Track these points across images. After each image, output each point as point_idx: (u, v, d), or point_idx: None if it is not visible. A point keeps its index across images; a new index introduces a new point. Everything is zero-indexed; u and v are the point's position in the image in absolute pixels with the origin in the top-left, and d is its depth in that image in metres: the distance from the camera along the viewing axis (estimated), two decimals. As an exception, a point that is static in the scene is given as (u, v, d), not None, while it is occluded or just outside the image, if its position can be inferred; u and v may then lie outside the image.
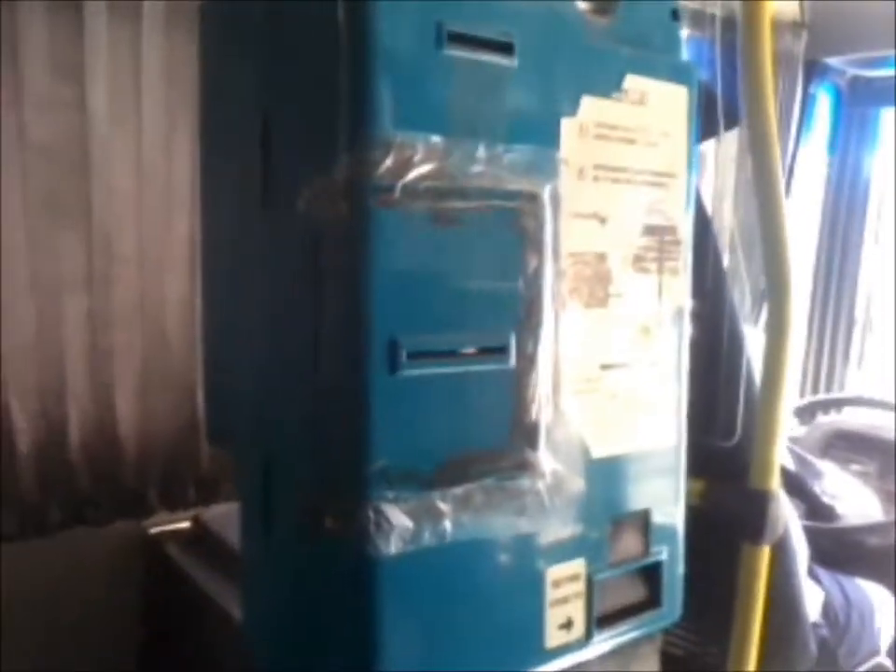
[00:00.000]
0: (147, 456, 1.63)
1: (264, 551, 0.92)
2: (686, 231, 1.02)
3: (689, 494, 1.05)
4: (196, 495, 1.68)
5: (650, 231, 0.97)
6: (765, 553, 1.16)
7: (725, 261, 1.35)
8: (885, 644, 1.72)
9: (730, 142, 1.84)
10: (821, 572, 1.63)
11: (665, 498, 1.01)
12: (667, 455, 1.02)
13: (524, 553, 0.88)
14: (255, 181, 0.87)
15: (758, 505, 1.15)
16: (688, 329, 1.03)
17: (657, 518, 1.00)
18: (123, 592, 1.62)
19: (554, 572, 0.91)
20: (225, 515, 1.56)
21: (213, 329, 1.03)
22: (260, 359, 0.91)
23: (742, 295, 1.47)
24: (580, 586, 0.93)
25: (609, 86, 0.91)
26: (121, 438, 1.59)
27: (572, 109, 0.88)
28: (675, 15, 0.98)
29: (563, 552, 0.91)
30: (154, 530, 1.65)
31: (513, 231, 0.85)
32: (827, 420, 2.39)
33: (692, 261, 1.03)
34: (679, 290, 1.01)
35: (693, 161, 1.02)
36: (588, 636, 0.94)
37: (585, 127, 0.90)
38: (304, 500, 0.83)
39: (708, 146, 1.54)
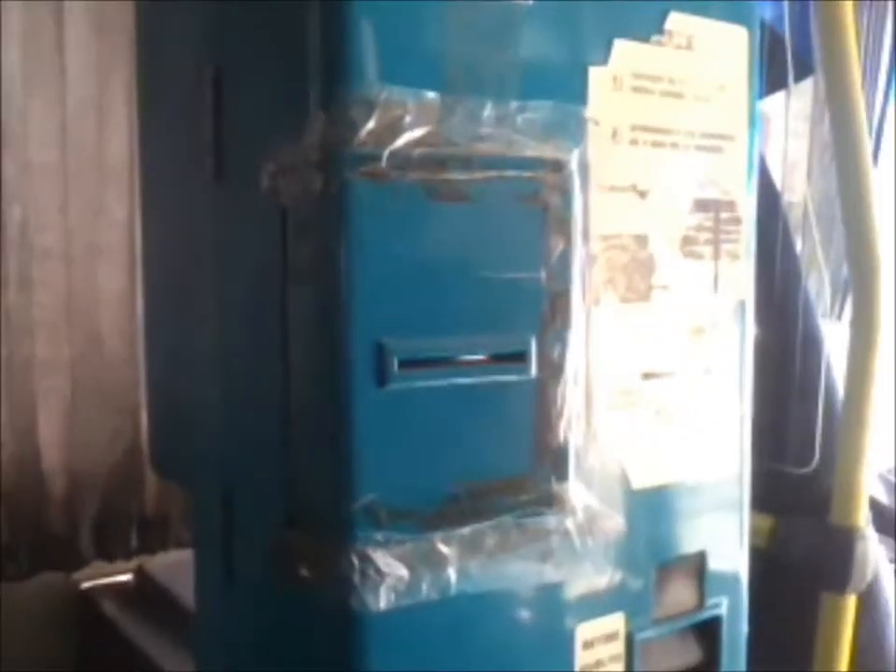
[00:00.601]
0: (78, 495, 1.64)
1: (225, 604, 0.93)
2: (747, 207, 1.02)
3: (754, 532, 1.06)
4: (139, 541, 1.69)
5: (702, 206, 0.98)
6: (850, 604, 1.17)
7: (798, 244, 1.36)
8: None
9: (802, 96, 1.84)
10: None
11: (724, 538, 1.02)
12: (727, 486, 1.03)
13: (548, 607, 0.89)
14: (206, 152, 0.88)
15: (841, 545, 1.16)
16: (751, 328, 1.04)
17: (714, 562, 1.01)
18: (50, 658, 1.63)
19: (586, 630, 0.91)
20: (175, 565, 1.57)
21: (159, 336, 1.04)
22: (218, 372, 0.92)
23: (819, 285, 1.48)
24: (617, 647, 0.94)
25: (647, 27, 0.92)
26: (45, 472, 1.60)
27: (602, 56, 0.89)
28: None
29: (597, 605, 0.92)
30: (87, 584, 1.66)
31: (531, 208, 0.86)
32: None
33: (755, 244, 1.04)
34: (740, 280, 1.02)
35: (756, 121, 1.04)
36: (628, 710, 0.95)
37: (619, 78, 0.91)
38: (274, 543, 0.84)
39: (775, 101, 1.55)
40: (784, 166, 1.50)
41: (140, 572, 1.62)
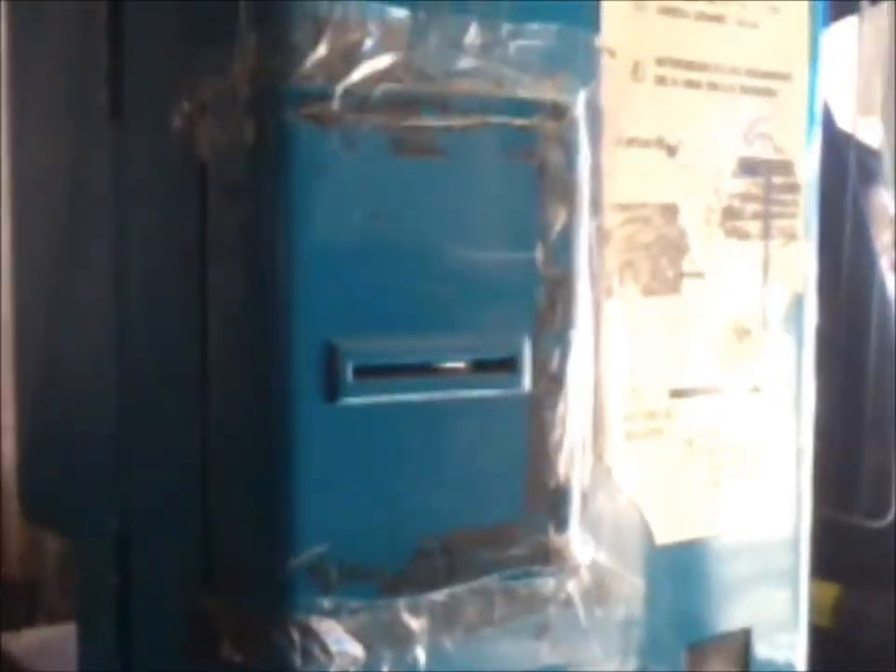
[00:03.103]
0: None
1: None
2: (808, 170, 1.07)
3: (814, 605, 1.10)
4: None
5: (749, 168, 1.02)
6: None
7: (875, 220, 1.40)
8: None
9: (880, 22, 1.87)
10: None
11: (774, 612, 1.06)
12: (779, 543, 1.07)
13: (544, 701, 0.92)
14: (98, 83, 0.90)
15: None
16: (812, 330, 1.08)
17: (762, 644, 1.05)
18: None
19: (595, 732, 0.95)
20: (46, 644, 1.57)
21: (31, 331, 1.07)
22: (113, 379, 0.94)
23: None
24: (635, 754, 0.97)
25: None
26: None
27: (621, -34, 0.93)
28: None
29: (608, 700, 0.95)
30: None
31: (524, 166, 0.89)
32: None
33: (819, 220, 1.09)
34: (797, 267, 1.06)
35: (819, 55, 1.08)
36: None
37: (642, -5, 0.95)
38: (188, 612, 0.86)
39: (844, 28, 1.58)
40: (857, 113, 1.53)
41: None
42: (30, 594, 1.74)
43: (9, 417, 1.31)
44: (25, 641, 1.61)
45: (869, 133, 1.53)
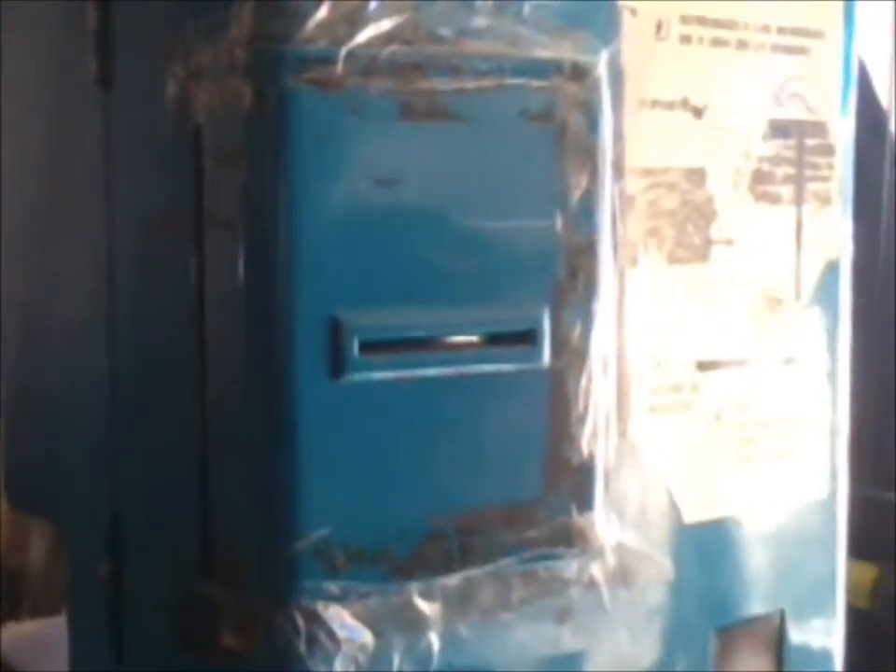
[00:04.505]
0: None
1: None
2: (843, 132, 1.04)
3: (852, 586, 1.07)
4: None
5: (780, 129, 0.99)
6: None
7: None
8: None
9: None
10: None
11: (809, 594, 1.04)
12: (814, 522, 1.04)
13: (567, 688, 0.90)
14: (84, 48, 0.89)
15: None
16: (848, 299, 1.05)
17: (796, 627, 1.02)
18: None
19: (620, 720, 0.93)
20: (33, 640, 1.57)
21: (13, 310, 1.05)
22: (102, 352, 0.92)
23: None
24: (663, 743, 0.95)
25: None
26: None
27: (642, -84, 0.91)
28: None
29: (635, 685, 0.93)
30: None
31: (542, 129, 0.86)
32: None
33: (854, 185, 1.06)
34: (833, 233, 1.04)
35: (854, 12, 1.05)
36: None
37: (666, -51, 0.92)
38: (184, 599, 0.85)
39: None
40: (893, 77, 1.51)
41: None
42: (15, 585, 1.73)
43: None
44: (11, 636, 1.61)
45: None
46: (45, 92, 0.99)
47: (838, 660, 1.06)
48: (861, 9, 1.06)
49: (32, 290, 1.05)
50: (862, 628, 1.10)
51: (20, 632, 1.62)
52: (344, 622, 0.79)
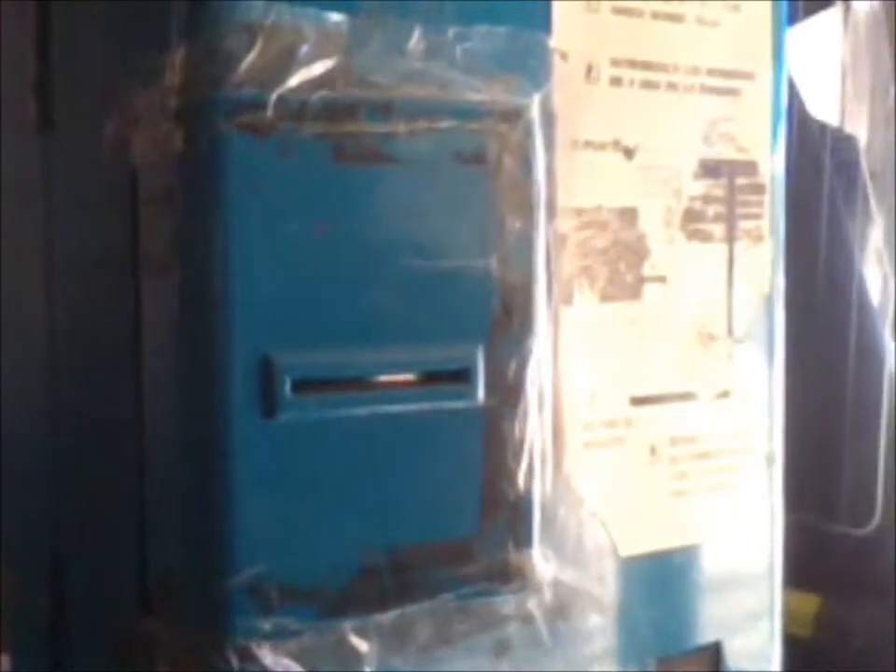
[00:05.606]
0: None
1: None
2: (774, 170, 1.05)
3: (792, 617, 1.08)
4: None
5: (711, 169, 1.00)
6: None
7: (851, 220, 1.38)
8: None
9: (859, 15, 1.85)
10: None
11: (747, 624, 1.04)
12: (751, 552, 1.05)
13: (505, 722, 0.90)
14: (24, 92, 0.89)
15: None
16: (782, 333, 1.06)
17: (735, 657, 1.02)
18: None
19: (559, 754, 0.93)
20: None
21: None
22: (40, 401, 0.93)
23: (885, 281, 1.50)
24: None
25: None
26: None
27: (571, -35, 0.91)
28: None
29: (573, 719, 0.93)
30: None
31: (476, 171, 0.87)
32: None
33: (787, 221, 1.06)
34: (764, 269, 1.04)
35: (783, 52, 1.06)
36: None
37: (594, -6, 0.93)
38: (123, 634, 0.84)
39: (819, 22, 1.56)
40: (838, 110, 1.51)
41: None
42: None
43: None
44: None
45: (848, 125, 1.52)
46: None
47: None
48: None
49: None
50: (804, 657, 1.10)
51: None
52: (278, 660, 0.79)
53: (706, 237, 1.00)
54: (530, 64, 0.89)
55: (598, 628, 0.94)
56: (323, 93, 0.80)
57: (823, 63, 1.67)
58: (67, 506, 0.92)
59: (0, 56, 0.97)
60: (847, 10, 1.44)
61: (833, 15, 1.51)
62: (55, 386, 0.93)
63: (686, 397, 1.00)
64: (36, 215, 0.94)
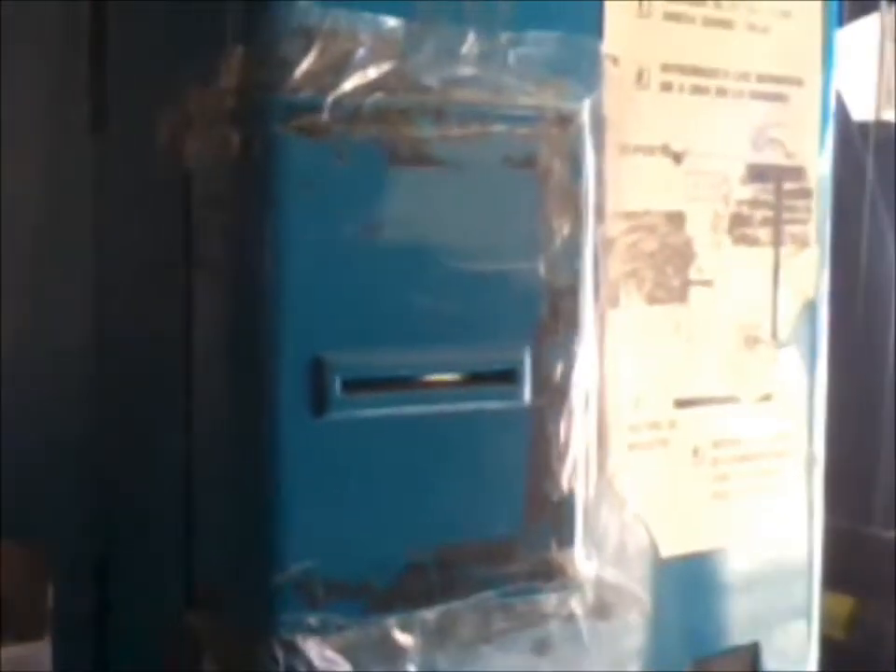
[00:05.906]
0: None
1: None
2: (821, 176, 1.05)
3: (828, 619, 1.08)
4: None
5: (758, 174, 1.00)
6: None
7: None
8: None
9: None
10: None
11: (784, 626, 1.04)
12: (790, 556, 1.05)
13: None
14: (79, 94, 0.90)
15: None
16: (825, 339, 1.06)
17: (771, 658, 1.03)
18: None
19: (598, 751, 0.94)
20: (17, 663, 1.56)
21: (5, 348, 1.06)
22: (90, 386, 0.93)
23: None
24: None
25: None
26: None
27: (624, -28, 0.92)
28: None
29: (612, 717, 0.94)
30: None
31: (526, 176, 0.87)
32: None
33: (832, 227, 1.07)
34: (810, 274, 1.05)
35: (832, 58, 1.06)
36: None
37: (647, 1, 0.93)
38: (168, 629, 0.85)
39: (861, 29, 1.56)
40: (874, 117, 1.50)
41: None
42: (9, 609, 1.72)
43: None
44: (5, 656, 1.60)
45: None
46: (39, 135, 1.00)
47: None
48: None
49: (23, 331, 1.05)
50: (838, 659, 1.10)
51: (4, 655, 1.61)
52: (323, 654, 0.80)
53: (752, 241, 1.00)
54: (581, 69, 0.89)
55: (636, 627, 0.95)
56: (377, 97, 0.81)
57: (864, 66, 1.67)
58: (115, 504, 0.93)
59: (53, 55, 0.97)
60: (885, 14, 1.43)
61: (877, 18, 1.51)
62: (104, 387, 0.94)
63: (729, 399, 1.00)
64: (88, 213, 0.94)
